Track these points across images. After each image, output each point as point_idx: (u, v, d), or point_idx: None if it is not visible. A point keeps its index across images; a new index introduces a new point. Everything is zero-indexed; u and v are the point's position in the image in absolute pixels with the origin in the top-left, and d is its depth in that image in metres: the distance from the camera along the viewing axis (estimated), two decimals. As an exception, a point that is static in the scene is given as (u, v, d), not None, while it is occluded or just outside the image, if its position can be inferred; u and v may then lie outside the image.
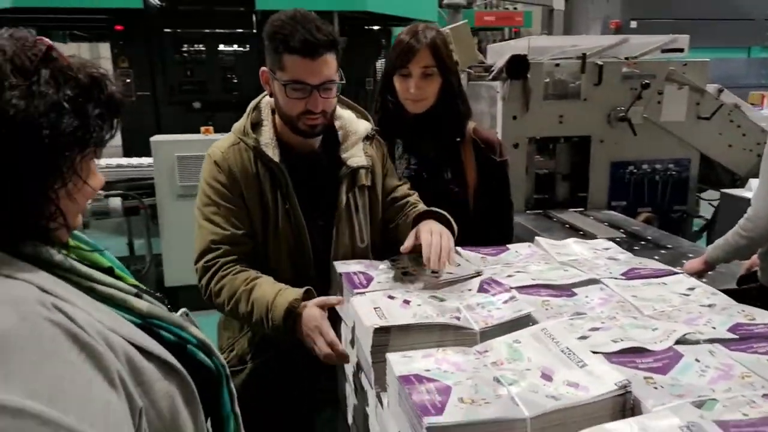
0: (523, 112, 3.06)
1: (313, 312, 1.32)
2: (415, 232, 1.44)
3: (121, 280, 0.83)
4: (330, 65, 1.40)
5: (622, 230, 2.83)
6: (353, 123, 1.60)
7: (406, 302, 1.21)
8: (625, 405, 0.87)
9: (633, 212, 3.26)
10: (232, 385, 0.91)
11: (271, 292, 1.37)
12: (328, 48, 1.38)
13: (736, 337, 1.05)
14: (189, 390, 0.79)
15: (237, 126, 1.53)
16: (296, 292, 1.36)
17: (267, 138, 1.48)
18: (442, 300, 1.23)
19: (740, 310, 1.17)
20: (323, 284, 1.51)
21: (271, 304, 1.35)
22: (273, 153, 1.47)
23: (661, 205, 3.29)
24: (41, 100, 0.67)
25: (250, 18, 6.74)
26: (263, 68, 1.47)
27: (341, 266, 1.46)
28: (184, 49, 6.72)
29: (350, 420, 1.38)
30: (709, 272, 2.13)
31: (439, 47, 1.63)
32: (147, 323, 0.79)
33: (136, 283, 0.87)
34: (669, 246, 2.59)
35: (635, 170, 3.24)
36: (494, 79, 3.11)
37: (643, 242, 2.66)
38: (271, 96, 1.50)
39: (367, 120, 1.63)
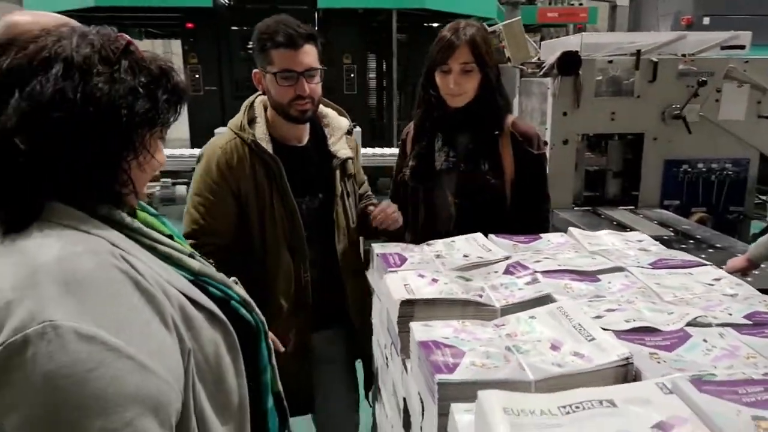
0: (574, 109, 3.07)
1: None
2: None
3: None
4: (311, 54, 1.62)
5: (671, 229, 2.80)
6: (336, 119, 1.84)
7: (434, 280, 1.30)
8: (627, 376, 0.92)
9: (687, 212, 3.21)
10: (270, 341, 1.03)
11: None
12: (308, 40, 1.60)
13: (750, 323, 1.08)
14: (231, 339, 0.91)
15: (233, 122, 1.71)
16: None
17: (261, 133, 1.68)
18: (468, 280, 1.31)
19: (762, 300, 1.19)
20: (320, 259, 1.77)
21: None
22: (266, 146, 1.66)
23: (717, 206, 3.22)
24: (121, 85, 0.80)
25: (312, 15, 6.96)
26: (255, 70, 1.69)
27: (379, 248, 1.56)
28: (250, 45, 7.02)
29: (381, 385, 1.49)
30: (755, 271, 2.11)
31: (479, 44, 1.70)
32: (198, 280, 0.92)
33: (191, 249, 1.00)
34: (719, 246, 2.55)
35: (690, 169, 3.18)
36: (545, 75, 3.13)
37: (692, 241, 2.63)
38: (263, 94, 1.72)
39: (346, 117, 1.87)
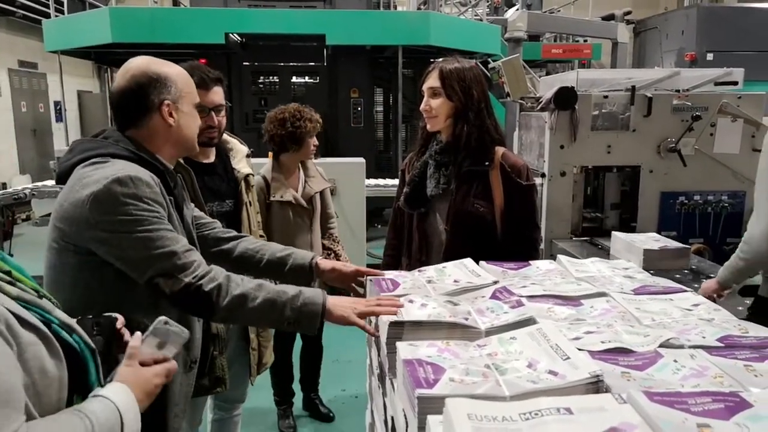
0: (571, 142, 3.15)
1: None
2: None
3: (20, 282, 1.01)
4: (219, 94, 2.06)
5: (667, 259, 2.84)
6: (238, 146, 2.32)
7: (424, 305, 1.36)
8: (597, 392, 0.97)
9: (684, 243, 3.24)
10: (99, 359, 1.09)
11: None
12: (216, 83, 2.05)
13: (722, 345, 1.12)
14: (57, 354, 0.98)
15: None
16: None
17: None
18: (456, 304, 1.37)
19: (737, 325, 1.24)
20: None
21: None
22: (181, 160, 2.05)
23: (714, 237, 3.26)
24: None
25: (321, 52, 7.16)
26: None
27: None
28: (260, 80, 7.22)
29: (374, 408, 1.53)
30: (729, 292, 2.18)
31: (445, 74, 1.86)
32: (18, 304, 0.97)
33: (35, 285, 1.05)
34: (713, 276, 2.58)
35: (686, 201, 3.24)
36: (542, 109, 3.22)
37: (687, 271, 2.66)
38: None
39: (245, 145, 2.35)
